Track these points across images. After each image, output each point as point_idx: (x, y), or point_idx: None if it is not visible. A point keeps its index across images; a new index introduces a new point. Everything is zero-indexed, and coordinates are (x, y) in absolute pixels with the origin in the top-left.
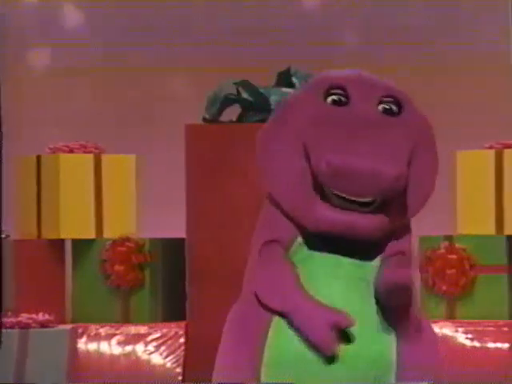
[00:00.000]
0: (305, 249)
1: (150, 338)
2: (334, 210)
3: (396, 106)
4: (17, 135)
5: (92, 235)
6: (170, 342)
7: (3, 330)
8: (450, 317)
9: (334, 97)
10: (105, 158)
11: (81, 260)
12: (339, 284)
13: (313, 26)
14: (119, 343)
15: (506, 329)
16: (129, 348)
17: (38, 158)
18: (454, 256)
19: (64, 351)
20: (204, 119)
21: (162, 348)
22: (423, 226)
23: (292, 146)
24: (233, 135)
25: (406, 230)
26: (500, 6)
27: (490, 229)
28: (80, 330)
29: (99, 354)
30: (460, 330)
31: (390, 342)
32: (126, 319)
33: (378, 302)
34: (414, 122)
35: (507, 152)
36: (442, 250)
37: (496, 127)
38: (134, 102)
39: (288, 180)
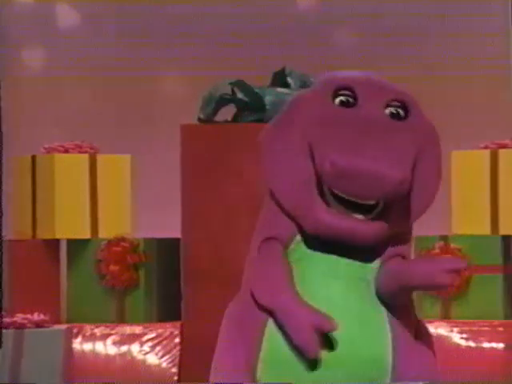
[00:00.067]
0: (304, 247)
1: (145, 338)
2: (335, 215)
3: (403, 110)
4: (12, 135)
5: (87, 235)
6: (165, 342)
7: None
8: (445, 317)
9: (342, 98)
10: (100, 158)
11: (76, 260)
12: (338, 283)
13: (308, 26)
14: (114, 343)
15: (500, 329)
16: (124, 348)
17: (33, 158)
18: (449, 256)
19: (59, 351)
20: (199, 119)
21: (158, 348)
22: (418, 225)
23: (297, 145)
24: (228, 135)
25: (407, 234)
26: (497, 6)
27: (485, 229)
28: (75, 330)
29: (94, 354)
30: (455, 329)
31: (387, 343)
32: (121, 319)
33: (377, 302)
34: (420, 128)
35: (502, 152)
36: (437, 250)
37: (491, 127)
38: (129, 102)
39: (291, 180)
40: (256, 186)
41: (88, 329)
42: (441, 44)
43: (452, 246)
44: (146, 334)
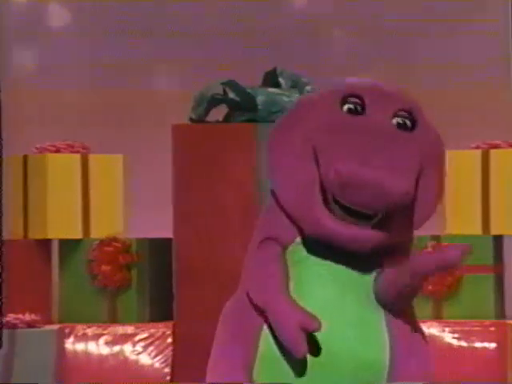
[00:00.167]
0: (303, 250)
1: (137, 338)
2: (336, 221)
3: (410, 121)
4: (3, 135)
5: (79, 235)
6: (157, 342)
7: None
8: (437, 317)
9: (351, 105)
10: (92, 157)
11: (68, 260)
12: (336, 286)
13: (299, 27)
14: (107, 343)
15: (492, 328)
16: (116, 348)
17: (25, 157)
18: None
19: (51, 351)
20: (191, 119)
21: (150, 348)
22: None
23: (302, 148)
24: (220, 135)
25: (406, 243)
26: (489, 6)
27: (476, 229)
28: (67, 331)
29: (87, 355)
30: (447, 329)
31: (384, 345)
32: (114, 319)
33: (375, 305)
34: (426, 139)
35: (493, 152)
36: (429, 250)
37: (482, 127)
38: (121, 102)
39: (294, 182)
40: (247, 185)
41: (80, 329)
42: (435, 44)
43: (444, 245)
44: (138, 334)
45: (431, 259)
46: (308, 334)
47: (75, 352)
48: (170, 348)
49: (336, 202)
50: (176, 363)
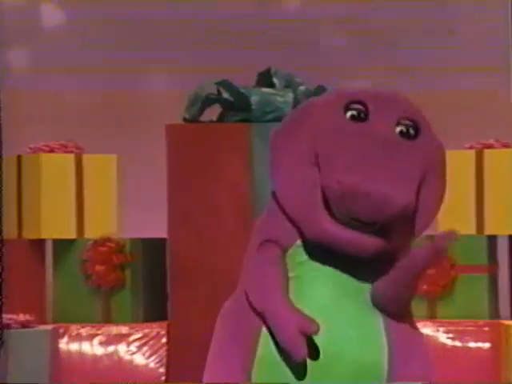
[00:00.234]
0: (303, 253)
1: (131, 338)
2: (337, 225)
3: (413, 129)
4: None
5: (73, 235)
6: (152, 342)
7: None
8: (431, 317)
9: (354, 112)
10: (86, 157)
11: (62, 260)
12: (335, 289)
13: (293, 27)
14: (101, 343)
15: (486, 328)
16: (111, 348)
17: (19, 157)
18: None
19: (45, 352)
20: (185, 119)
21: (145, 348)
22: None
23: (305, 152)
24: (213, 135)
25: (406, 251)
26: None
27: (470, 229)
28: (61, 331)
29: (81, 355)
30: (441, 329)
31: (383, 348)
32: (108, 319)
33: (373, 309)
34: (429, 149)
35: (487, 152)
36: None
37: (476, 127)
38: (114, 101)
39: (296, 186)
40: (241, 185)
41: (74, 329)
42: (429, 43)
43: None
44: (132, 334)
45: (424, 251)
46: (307, 338)
47: (69, 352)
48: (165, 348)
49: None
50: (171, 363)
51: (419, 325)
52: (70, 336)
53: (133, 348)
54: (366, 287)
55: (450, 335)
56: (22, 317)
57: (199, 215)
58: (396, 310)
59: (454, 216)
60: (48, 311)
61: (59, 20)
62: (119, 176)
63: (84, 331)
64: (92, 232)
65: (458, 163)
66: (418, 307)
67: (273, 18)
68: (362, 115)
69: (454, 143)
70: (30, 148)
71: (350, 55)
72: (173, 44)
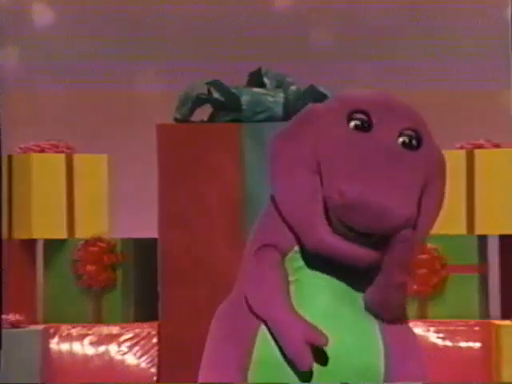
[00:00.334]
0: (301, 258)
1: (122, 338)
2: (335, 237)
3: (416, 140)
4: None
5: (64, 235)
6: (143, 342)
7: None
8: (422, 316)
9: (357, 122)
10: (76, 157)
11: (52, 260)
12: (332, 295)
13: (284, 26)
14: (92, 343)
15: (477, 328)
16: (102, 348)
17: (9, 157)
18: (425, 256)
19: (36, 352)
20: (175, 119)
21: (136, 348)
22: None
23: (306, 160)
24: (204, 135)
25: None
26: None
27: (461, 229)
28: (52, 331)
29: (72, 355)
30: (431, 329)
31: (379, 352)
32: (98, 319)
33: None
34: (431, 158)
35: (478, 152)
36: None
37: (467, 127)
38: (105, 101)
39: (296, 194)
40: (232, 185)
41: (65, 329)
42: (421, 43)
43: (428, 245)
44: (123, 334)
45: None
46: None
47: (60, 352)
48: (156, 348)
49: (339, 220)
50: (162, 363)
51: (410, 325)
52: (60, 336)
53: (124, 348)
54: (362, 295)
55: (441, 335)
56: (12, 317)
57: (190, 215)
58: (388, 315)
59: (444, 216)
60: (39, 311)
61: (49, 19)
62: (110, 176)
63: (75, 331)
64: (83, 232)
65: (449, 163)
66: (408, 307)
67: (264, 18)
68: (366, 125)
69: (444, 143)
70: (21, 148)
71: (342, 54)
72: (163, 44)
